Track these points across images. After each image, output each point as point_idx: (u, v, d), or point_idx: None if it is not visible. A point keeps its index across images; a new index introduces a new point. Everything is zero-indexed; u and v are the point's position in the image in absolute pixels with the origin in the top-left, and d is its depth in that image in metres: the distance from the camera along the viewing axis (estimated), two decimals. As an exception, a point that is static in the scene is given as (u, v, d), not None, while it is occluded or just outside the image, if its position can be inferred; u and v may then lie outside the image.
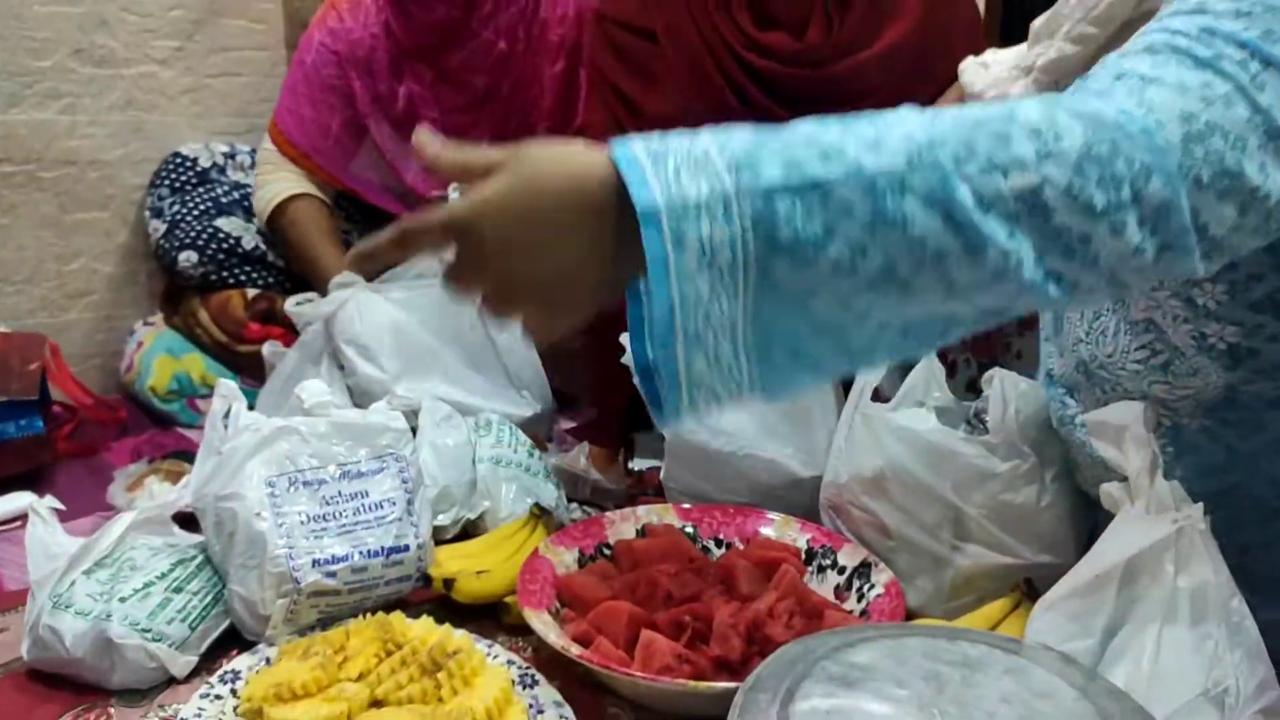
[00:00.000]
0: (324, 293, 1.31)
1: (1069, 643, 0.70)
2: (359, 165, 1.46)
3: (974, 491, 0.84)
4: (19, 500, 1.07)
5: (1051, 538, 0.83)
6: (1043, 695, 0.65)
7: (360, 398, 1.19)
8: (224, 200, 1.52)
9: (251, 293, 1.47)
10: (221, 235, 1.46)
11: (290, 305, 1.35)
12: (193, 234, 1.45)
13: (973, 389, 1.02)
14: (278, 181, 1.44)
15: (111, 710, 0.75)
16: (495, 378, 1.28)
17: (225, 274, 1.46)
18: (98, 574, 0.80)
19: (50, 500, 0.86)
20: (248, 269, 1.48)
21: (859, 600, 0.87)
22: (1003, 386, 0.83)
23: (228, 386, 0.90)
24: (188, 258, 1.43)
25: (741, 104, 1.11)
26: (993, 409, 0.83)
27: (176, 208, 1.49)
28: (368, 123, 1.43)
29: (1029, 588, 0.81)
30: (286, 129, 1.44)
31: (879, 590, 0.86)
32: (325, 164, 1.44)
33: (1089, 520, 0.85)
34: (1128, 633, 0.68)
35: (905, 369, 0.94)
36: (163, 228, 1.48)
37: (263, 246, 1.48)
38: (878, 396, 0.91)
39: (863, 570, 0.89)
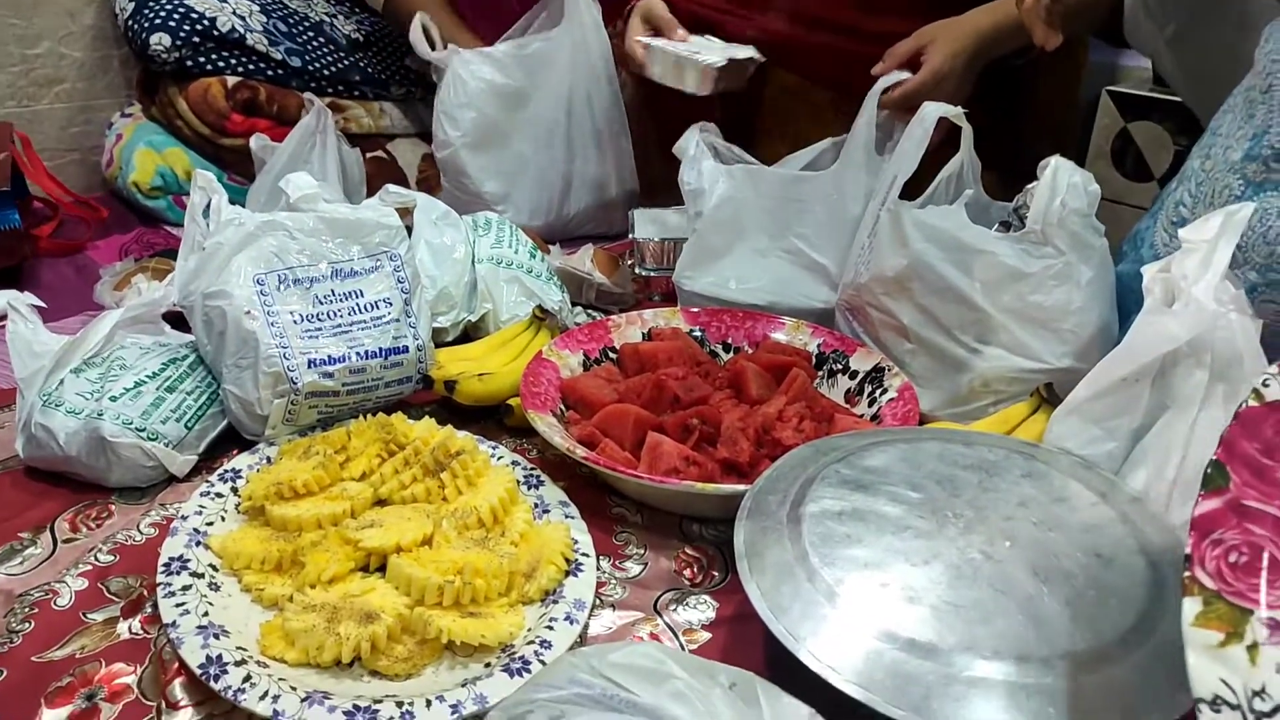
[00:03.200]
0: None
1: (1091, 447, 0.68)
2: None
3: (1002, 292, 0.79)
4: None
5: (1079, 342, 0.79)
6: (1061, 500, 0.63)
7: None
8: (194, -25, 1.39)
9: (232, 81, 1.36)
10: (195, 15, 1.34)
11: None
12: (162, 14, 1.33)
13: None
14: None
15: (113, 508, 0.74)
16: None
17: (202, 59, 1.35)
18: (87, 373, 0.78)
19: (28, 296, 0.82)
20: (225, 54, 1.36)
21: (870, 405, 0.85)
22: (1056, 175, 0.76)
23: (205, 178, 0.84)
24: (159, 40, 1.32)
25: None
26: (1038, 197, 0.77)
27: (143, -16, 1.37)
28: None
29: (1049, 393, 0.78)
30: None
31: (891, 394, 0.83)
32: None
33: (1121, 327, 0.81)
34: (1152, 438, 0.66)
35: (936, 166, 0.87)
36: (130, 7, 1.36)
37: (240, 29, 1.37)
38: (906, 194, 0.85)
39: (875, 375, 0.86)
